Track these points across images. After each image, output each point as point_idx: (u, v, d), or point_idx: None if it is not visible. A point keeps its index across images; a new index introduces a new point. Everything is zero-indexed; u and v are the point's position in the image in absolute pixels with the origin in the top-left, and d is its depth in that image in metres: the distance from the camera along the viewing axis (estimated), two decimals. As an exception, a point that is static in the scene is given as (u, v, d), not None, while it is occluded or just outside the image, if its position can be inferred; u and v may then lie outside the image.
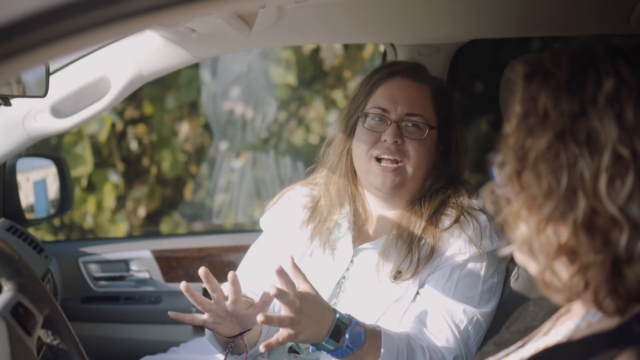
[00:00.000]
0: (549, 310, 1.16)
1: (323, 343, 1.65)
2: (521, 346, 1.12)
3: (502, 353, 1.15)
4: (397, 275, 1.86)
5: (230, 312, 1.72)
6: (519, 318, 1.26)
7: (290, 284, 1.63)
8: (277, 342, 1.62)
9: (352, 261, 1.94)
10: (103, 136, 5.18)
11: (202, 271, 1.68)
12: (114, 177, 5.32)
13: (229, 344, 1.82)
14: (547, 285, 0.96)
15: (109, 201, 5.26)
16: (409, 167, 1.90)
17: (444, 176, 1.95)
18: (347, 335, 1.66)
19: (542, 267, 0.95)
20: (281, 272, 1.62)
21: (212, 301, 1.72)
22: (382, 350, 1.70)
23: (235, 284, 1.69)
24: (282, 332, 1.62)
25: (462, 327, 1.81)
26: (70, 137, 5.13)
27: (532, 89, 0.96)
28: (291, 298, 1.61)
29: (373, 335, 1.71)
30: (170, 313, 1.75)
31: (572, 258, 0.92)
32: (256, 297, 1.84)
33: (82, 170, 5.12)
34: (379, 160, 1.90)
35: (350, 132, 1.97)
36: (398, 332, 1.79)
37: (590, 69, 0.93)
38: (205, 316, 1.73)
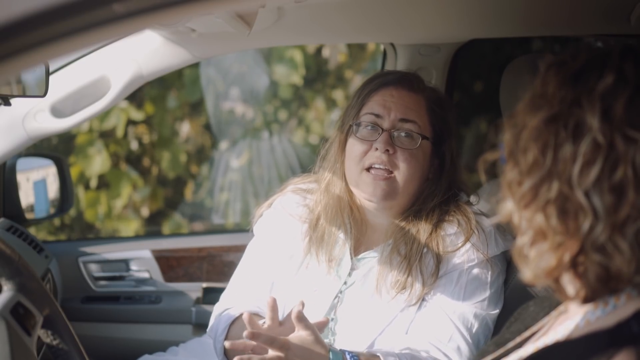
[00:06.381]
0: (549, 311, 1.16)
1: None
2: (520, 344, 1.13)
3: (500, 351, 1.16)
4: (400, 287, 1.84)
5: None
6: (519, 318, 1.27)
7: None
8: None
9: (349, 273, 1.92)
10: (120, 131, 5.17)
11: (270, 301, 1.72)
12: (132, 175, 5.31)
13: None
14: (521, 259, 1.00)
15: (125, 199, 5.25)
16: (400, 178, 1.85)
17: (439, 192, 1.90)
18: None
19: (520, 243, 0.99)
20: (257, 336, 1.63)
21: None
22: None
23: (274, 309, 1.71)
24: None
25: (473, 331, 1.81)
26: (84, 136, 5.12)
27: (547, 76, 1.00)
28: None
29: None
30: None
31: (544, 237, 0.96)
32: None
33: (98, 168, 5.11)
34: (368, 170, 1.86)
35: (343, 144, 1.93)
36: (400, 354, 1.78)
37: (598, 63, 0.96)
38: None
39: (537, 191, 0.95)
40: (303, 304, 1.67)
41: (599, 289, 0.95)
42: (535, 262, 0.98)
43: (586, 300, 0.97)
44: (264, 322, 1.76)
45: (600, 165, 0.91)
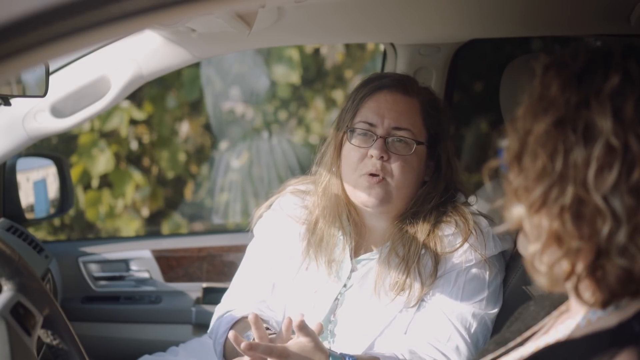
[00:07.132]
0: (550, 310, 1.16)
1: None
2: (521, 343, 1.12)
3: (501, 350, 1.16)
4: (398, 289, 1.84)
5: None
6: (520, 318, 1.27)
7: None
8: None
9: (349, 276, 1.92)
10: (123, 131, 5.16)
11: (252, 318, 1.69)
12: (135, 175, 5.31)
13: None
14: (534, 268, 0.99)
15: (129, 198, 5.25)
16: (393, 184, 1.85)
17: (437, 194, 1.90)
18: None
19: (532, 250, 0.98)
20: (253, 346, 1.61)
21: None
22: None
23: (258, 326, 1.68)
24: None
25: (472, 331, 1.81)
26: (87, 135, 5.13)
27: (547, 77, 0.99)
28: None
29: None
30: None
31: (559, 243, 0.95)
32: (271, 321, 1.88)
33: (103, 167, 5.12)
34: (364, 176, 1.85)
35: (339, 147, 1.93)
36: (399, 356, 1.78)
37: (601, 64, 0.96)
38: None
39: (546, 197, 0.94)
40: (302, 315, 1.66)
41: (619, 292, 0.94)
42: (549, 269, 0.96)
43: (604, 304, 0.96)
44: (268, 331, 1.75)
45: (618, 169, 0.90)
